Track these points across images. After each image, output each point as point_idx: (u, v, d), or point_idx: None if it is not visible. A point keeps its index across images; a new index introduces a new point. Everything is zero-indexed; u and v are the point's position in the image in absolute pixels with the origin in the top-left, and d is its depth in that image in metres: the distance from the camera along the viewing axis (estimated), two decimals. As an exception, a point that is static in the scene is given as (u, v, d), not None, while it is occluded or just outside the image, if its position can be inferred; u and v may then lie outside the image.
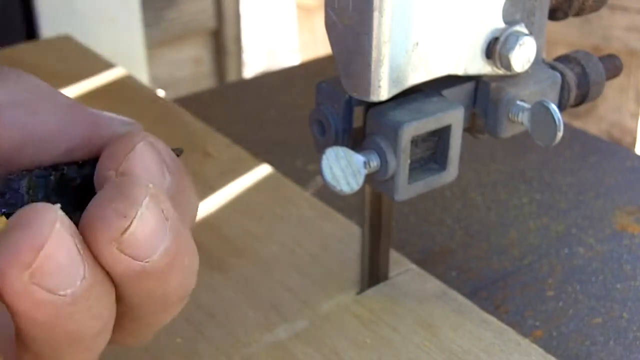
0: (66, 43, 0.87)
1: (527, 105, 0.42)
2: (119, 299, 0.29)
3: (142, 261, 0.27)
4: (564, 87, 0.45)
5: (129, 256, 0.27)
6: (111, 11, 1.10)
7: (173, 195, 0.30)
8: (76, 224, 0.27)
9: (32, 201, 0.29)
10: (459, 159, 0.42)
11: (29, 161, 0.30)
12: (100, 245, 0.27)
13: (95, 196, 0.28)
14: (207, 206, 0.57)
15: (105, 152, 0.30)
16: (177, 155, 0.32)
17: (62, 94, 0.32)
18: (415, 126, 0.39)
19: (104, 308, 0.28)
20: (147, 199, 0.27)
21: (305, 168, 0.69)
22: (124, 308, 0.30)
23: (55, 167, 0.30)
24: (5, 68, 0.31)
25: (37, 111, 0.30)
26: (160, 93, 0.79)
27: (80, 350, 0.29)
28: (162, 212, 0.28)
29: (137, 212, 0.27)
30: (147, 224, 0.27)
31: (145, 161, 0.29)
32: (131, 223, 0.27)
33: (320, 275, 0.51)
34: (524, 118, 0.42)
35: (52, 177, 0.30)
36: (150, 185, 0.28)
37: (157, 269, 0.28)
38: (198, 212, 0.33)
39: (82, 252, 0.27)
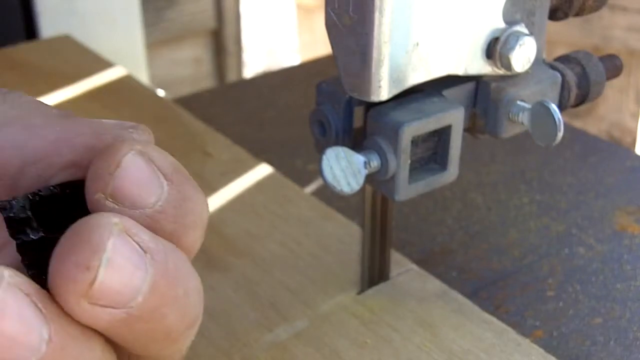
0: (66, 43, 0.87)
1: (527, 105, 0.42)
2: (114, 343, 0.26)
3: (124, 308, 0.24)
4: (564, 87, 0.45)
5: (107, 307, 0.24)
6: (111, 11, 1.09)
7: (175, 205, 0.27)
8: None
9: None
10: (459, 159, 0.42)
11: (35, 181, 0.27)
12: (69, 304, 0.24)
13: (56, 247, 0.25)
14: (207, 206, 0.57)
15: (90, 171, 0.26)
16: None
17: (51, 107, 0.29)
18: (415, 126, 0.39)
19: None
20: (112, 239, 0.24)
21: (305, 168, 0.69)
22: (124, 350, 0.27)
23: (38, 191, 0.27)
24: None
25: (32, 127, 0.27)
26: (160, 93, 0.79)
27: None
28: (138, 246, 0.25)
29: (101, 260, 0.24)
30: (118, 268, 0.24)
31: (136, 176, 0.26)
32: (97, 273, 0.24)
33: (320, 275, 0.51)
34: (524, 118, 0.42)
35: (34, 198, 0.26)
36: (116, 220, 0.24)
37: (147, 310, 0.25)
38: None
39: (45, 311, 0.24)
